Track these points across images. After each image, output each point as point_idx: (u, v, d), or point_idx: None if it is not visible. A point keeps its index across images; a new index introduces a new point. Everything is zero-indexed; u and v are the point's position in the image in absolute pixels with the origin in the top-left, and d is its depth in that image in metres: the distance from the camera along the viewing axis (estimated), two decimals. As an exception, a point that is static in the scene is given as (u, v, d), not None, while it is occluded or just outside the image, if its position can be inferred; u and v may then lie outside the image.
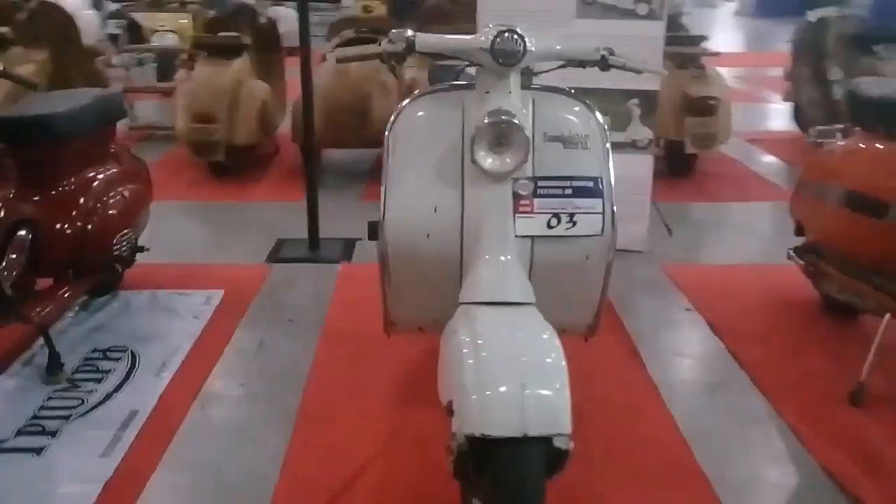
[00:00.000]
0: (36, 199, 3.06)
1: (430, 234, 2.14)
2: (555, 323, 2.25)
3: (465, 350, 1.86)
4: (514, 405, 1.75)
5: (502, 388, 1.77)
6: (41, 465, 2.43)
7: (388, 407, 2.79)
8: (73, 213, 3.10)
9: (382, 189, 2.15)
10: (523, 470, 1.80)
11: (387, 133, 2.19)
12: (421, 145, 2.12)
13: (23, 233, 3.01)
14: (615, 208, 2.14)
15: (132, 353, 3.11)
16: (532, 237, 2.09)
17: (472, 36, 2.07)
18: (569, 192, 2.11)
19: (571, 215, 2.11)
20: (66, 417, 2.67)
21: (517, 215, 2.07)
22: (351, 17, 7.77)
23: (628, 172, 3.75)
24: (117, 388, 2.86)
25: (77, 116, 3.13)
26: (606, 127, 2.20)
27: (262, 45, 6.12)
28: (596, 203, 2.12)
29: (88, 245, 3.10)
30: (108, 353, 3.11)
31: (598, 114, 2.19)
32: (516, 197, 2.07)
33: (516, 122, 2.00)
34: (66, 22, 6.07)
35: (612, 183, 2.15)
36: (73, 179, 3.15)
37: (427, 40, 2.10)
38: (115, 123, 3.57)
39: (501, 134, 2.01)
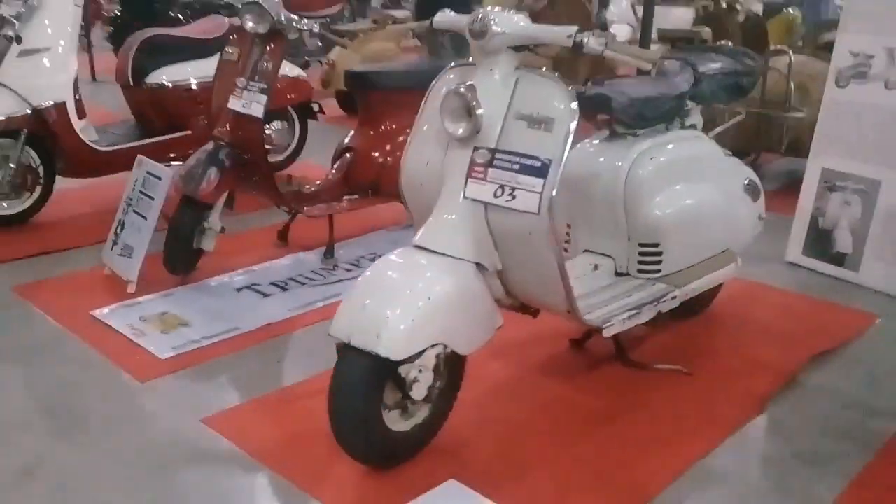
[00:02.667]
0: (362, 134, 4.09)
1: (423, 184, 2.50)
2: (532, 297, 2.46)
3: (369, 272, 2.28)
4: (354, 316, 2.16)
5: (358, 303, 2.18)
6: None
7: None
8: (380, 150, 4.05)
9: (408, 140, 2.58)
10: (345, 375, 2.19)
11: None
12: (435, 109, 2.47)
13: (347, 156, 4.10)
14: (554, 192, 2.20)
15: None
16: (485, 204, 2.30)
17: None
18: (516, 167, 2.26)
19: (513, 189, 2.25)
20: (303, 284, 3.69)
21: (469, 179, 2.32)
22: None
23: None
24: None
25: (398, 76, 4.03)
26: (574, 112, 2.23)
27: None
28: (537, 183, 2.22)
29: (384, 175, 4.01)
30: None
31: (574, 103, 2.23)
32: (473, 163, 2.31)
33: (467, 95, 2.25)
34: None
35: (561, 168, 2.20)
36: (389, 123, 4.08)
37: (444, 19, 2.45)
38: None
39: (461, 105, 2.28)
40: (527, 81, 2.31)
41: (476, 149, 2.31)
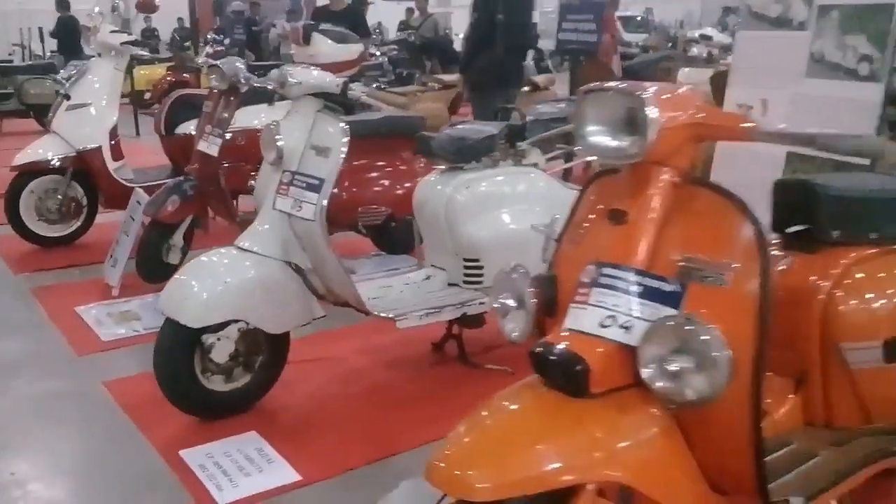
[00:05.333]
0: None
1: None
2: (335, 292, 3.09)
3: (192, 262, 2.98)
4: (170, 293, 2.86)
5: (175, 283, 2.88)
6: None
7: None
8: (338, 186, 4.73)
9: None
10: (162, 339, 2.86)
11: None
12: None
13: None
14: (325, 203, 2.82)
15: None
16: (288, 214, 2.95)
17: None
18: (304, 185, 2.90)
19: (301, 202, 2.88)
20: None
21: (277, 195, 2.97)
22: None
23: None
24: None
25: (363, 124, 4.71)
26: (344, 143, 2.84)
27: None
28: (314, 196, 2.85)
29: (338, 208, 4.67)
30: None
31: (345, 138, 2.86)
32: (280, 182, 2.97)
33: (272, 129, 2.93)
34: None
35: (332, 184, 2.82)
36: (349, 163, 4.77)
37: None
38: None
39: (268, 137, 2.96)
40: (319, 120, 2.97)
41: (284, 171, 2.97)
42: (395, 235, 4.51)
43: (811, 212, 2.09)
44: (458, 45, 10.73)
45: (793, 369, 2.14)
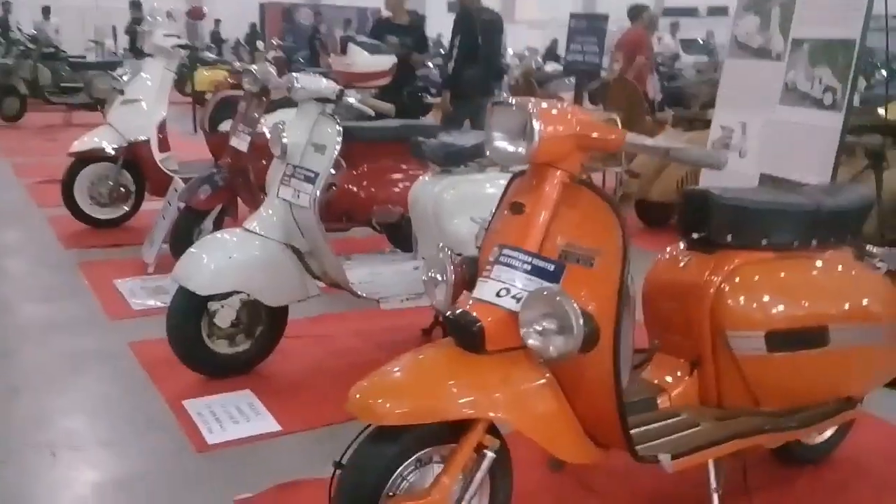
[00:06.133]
0: (344, 173, 5.26)
1: None
2: (329, 274, 3.51)
3: (207, 238, 3.45)
4: (183, 265, 3.32)
5: (187, 257, 3.34)
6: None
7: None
8: (356, 186, 5.18)
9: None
10: (174, 304, 3.32)
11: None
12: None
13: (329, 191, 5.27)
14: (318, 193, 3.24)
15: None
16: (290, 203, 3.39)
17: None
18: (302, 177, 3.33)
19: (299, 192, 3.32)
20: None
21: (281, 185, 3.42)
22: None
23: None
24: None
25: (372, 130, 5.16)
26: (339, 142, 3.27)
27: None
28: (309, 187, 3.28)
29: (357, 206, 5.12)
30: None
31: (339, 138, 3.29)
32: (284, 174, 3.42)
33: (278, 128, 3.37)
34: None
35: (325, 177, 3.25)
36: (365, 166, 5.20)
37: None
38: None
39: (275, 135, 3.41)
40: (320, 121, 3.40)
41: (287, 164, 3.42)
42: (408, 232, 4.94)
43: (709, 219, 2.44)
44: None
45: (689, 353, 2.49)
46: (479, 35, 6.63)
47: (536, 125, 1.95)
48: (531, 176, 2.11)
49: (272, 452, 2.95)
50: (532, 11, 26.26)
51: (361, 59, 6.53)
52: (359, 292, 3.49)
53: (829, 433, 2.95)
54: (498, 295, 2.04)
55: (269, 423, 3.12)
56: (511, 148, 2.04)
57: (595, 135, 2.04)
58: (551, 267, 2.03)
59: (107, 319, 4.19)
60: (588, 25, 7.24)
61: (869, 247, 2.85)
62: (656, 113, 8.38)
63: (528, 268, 2.04)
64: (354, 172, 5.27)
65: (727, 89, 4.44)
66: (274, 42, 17.19)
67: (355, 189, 5.20)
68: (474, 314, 2.03)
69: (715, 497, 2.36)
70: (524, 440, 2.07)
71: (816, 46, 3.94)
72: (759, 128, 4.19)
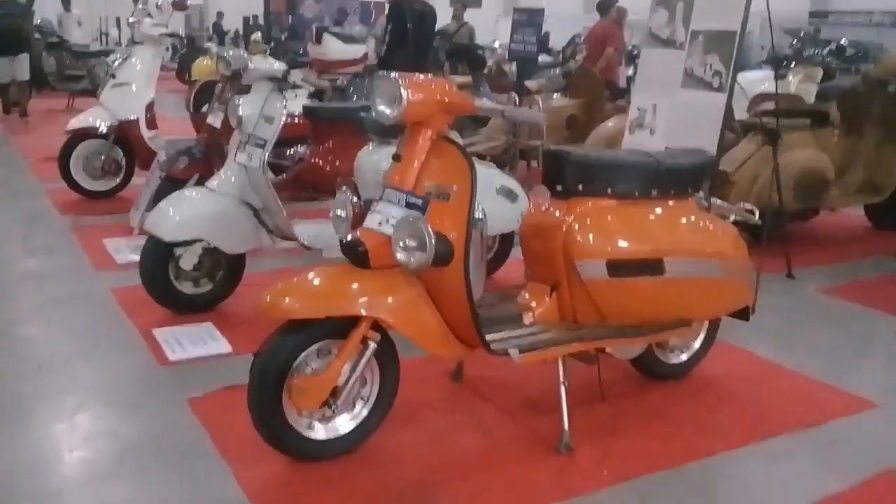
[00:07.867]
0: (312, 149, 5.86)
1: None
2: (279, 227, 4.10)
3: (176, 194, 4.05)
4: (154, 216, 3.93)
5: (158, 210, 3.95)
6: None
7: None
8: (323, 160, 5.78)
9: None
10: (145, 250, 3.94)
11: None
12: None
13: (299, 164, 5.88)
14: (266, 157, 3.85)
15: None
16: (244, 165, 3.99)
17: None
18: (254, 144, 3.94)
19: (251, 156, 3.93)
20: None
21: (238, 151, 4.03)
22: None
23: None
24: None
25: (339, 110, 5.75)
26: (283, 114, 3.87)
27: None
28: (259, 152, 3.89)
29: (323, 178, 5.72)
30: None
31: (284, 111, 3.88)
32: (240, 142, 4.03)
33: (235, 102, 3.98)
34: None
35: (271, 143, 3.86)
36: (331, 143, 5.80)
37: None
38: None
39: (233, 108, 4.02)
40: (270, 97, 4.01)
41: (243, 133, 4.02)
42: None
43: (565, 173, 3.04)
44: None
45: (549, 279, 3.09)
46: (408, 23, 7.26)
47: (404, 93, 2.55)
48: (408, 134, 2.71)
49: (224, 367, 3.56)
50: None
51: (335, 48, 7.14)
52: (305, 243, 4.10)
53: (685, 356, 3.55)
54: (380, 224, 2.65)
55: (223, 346, 3.74)
56: (388, 111, 2.64)
57: (451, 100, 2.64)
58: (419, 202, 2.63)
59: (92, 270, 4.81)
60: (528, 19, 7.87)
61: (714, 199, 3.46)
62: (625, 98, 8.95)
63: (404, 203, 2.64)
64: (320, 148, 5.88)
65: (642, 75, 5.02)
66: (254, 38, 17.73)
67: (321, 163, 5.81)
68: (361, 239, 2.64)
69: (562, 389, 2.96)
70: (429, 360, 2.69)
71: (709, 36, 4.50)
72: (666, 109, 4.77)
